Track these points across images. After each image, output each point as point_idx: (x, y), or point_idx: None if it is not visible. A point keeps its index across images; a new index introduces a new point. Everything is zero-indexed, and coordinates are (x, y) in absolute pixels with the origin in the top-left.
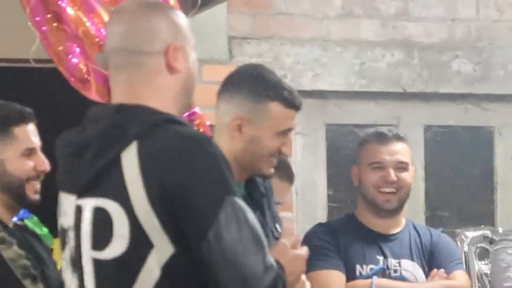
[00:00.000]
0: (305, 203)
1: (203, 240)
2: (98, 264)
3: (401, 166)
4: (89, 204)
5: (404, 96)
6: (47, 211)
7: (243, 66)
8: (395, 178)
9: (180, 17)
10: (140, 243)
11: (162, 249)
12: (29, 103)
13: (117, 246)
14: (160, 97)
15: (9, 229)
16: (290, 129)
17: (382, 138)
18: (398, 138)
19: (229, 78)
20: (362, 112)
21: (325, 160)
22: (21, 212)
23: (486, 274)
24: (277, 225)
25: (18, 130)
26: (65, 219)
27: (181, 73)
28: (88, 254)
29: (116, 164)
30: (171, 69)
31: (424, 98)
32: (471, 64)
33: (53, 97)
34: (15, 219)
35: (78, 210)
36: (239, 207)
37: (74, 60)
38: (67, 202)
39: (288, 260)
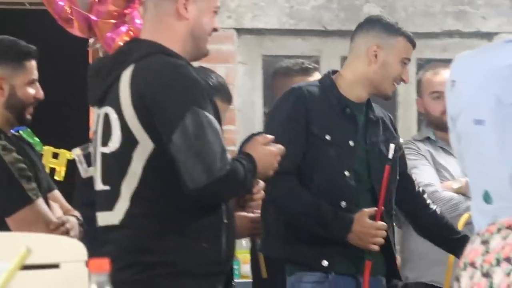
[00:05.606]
0: (245, 118)
1: (170, 141)
2: (103, 157)
3: None
4: (102, 112)
5: (325, 33)
6: (37, 125)
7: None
8: None
9: None
10: (128, 139)
11: (144, 145)
12: (25, 40)
13: (114, 141)
14: (170, 38)
15: (9, 138)
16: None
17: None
18: None
19: (362, 23)
20: (291, 46)
21: (262, 84)
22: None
23: None
24: (391, 146)
25: (28, 64)
26: (93, 126)
27: (189, 21)
28: (99, 150)
29: (117, 81)
30: (179, 15)
31: (341, 35)
32: (378, 8)
33: (45, 34)
34: (12, 131)
35: (98, 118)
36: (204, 115)
37: (60, 3)
38: (95, 113)
39: (260, 155)
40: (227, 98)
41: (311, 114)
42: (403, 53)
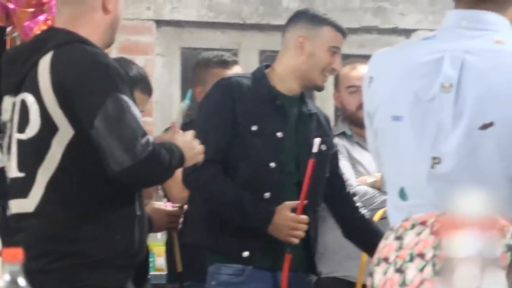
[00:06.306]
0: (163, 110)
1: (91, 126)
2: (20, 144)
3: None
4: (18, 99)
5: (244, 27)
6: None
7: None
8: None
9: None
10: (48, 126)
11: (65, 131)
12: None
13: (32, 128)
14: (91, 29)
15: None
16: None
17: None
18: None
19: (290, 17)
20: (210, 38)
21: (180, 76)
22: None
23: None
24: (315, 140)
25: None
26: (5, 115)
27: (111, 14)
28: (15, 137)
29: (35, 67)
30: (105, 10)
31: (260, 28)
32: (297, 2)
33: None
34: None
35: (14, 106)
36: (124, 100)
37: None
38: (6, 102)
39: (181, 142)
40: (148, 90)
41: (238, 105)
42: (330, 41)
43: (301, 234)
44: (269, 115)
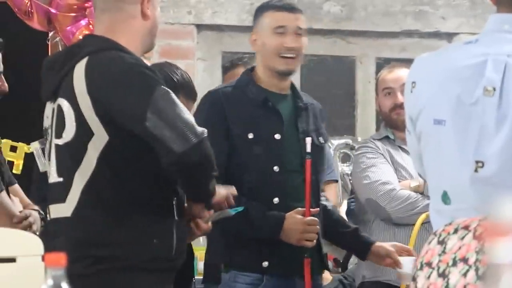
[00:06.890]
0: None
1: (144, 119)
2: (57, 149)
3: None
4: (56, 105)
5: None
6: None
7: None
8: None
9: None
10: (83, 131)
11: (100, 136)
12: None
13: (68, 133)
14: (131, 36)
15: None
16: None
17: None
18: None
19: None
20: None
21: (221, 80)
22: None
23: (347, 174)
24: (307, 140)
25: None
26: (46, 121)
27: (150, 20)
28: (53, 143)
29: (71, 73)
30: (144, 15)
31: None
32: (338, 6)
33: (4, 27)
34: None
35: (52, 111)
36: (168, 92)
37: None
38: (47, 108)
39: None
40: (192, 95)
41: (229, 116)
42: (271, 24)
43: (313, 236)
44: (263, 119)
